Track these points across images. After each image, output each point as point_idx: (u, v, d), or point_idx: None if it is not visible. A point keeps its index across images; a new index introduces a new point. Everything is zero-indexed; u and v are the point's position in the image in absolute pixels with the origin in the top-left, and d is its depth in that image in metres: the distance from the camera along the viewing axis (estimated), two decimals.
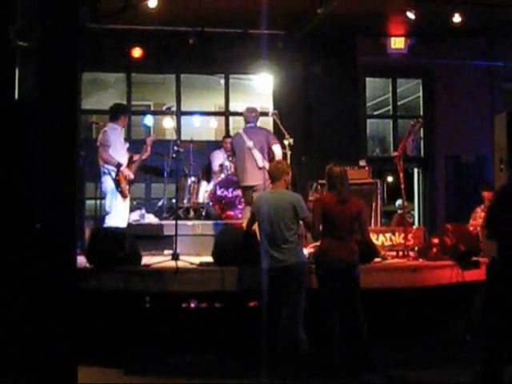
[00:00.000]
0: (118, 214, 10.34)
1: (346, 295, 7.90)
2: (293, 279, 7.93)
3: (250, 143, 10.44)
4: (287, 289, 7.94)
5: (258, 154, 10.36)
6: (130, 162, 10.55)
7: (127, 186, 10.38)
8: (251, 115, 10.75)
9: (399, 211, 13.44)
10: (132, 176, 10.45)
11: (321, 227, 8.12)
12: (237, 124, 15.69)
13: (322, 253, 8.01)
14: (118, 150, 10.40)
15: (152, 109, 18.93)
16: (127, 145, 10.66)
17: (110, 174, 10.28)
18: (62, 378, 6.17)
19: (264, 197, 8.50)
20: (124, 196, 10.37)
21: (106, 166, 10.26)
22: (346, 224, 7.94)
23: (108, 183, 10.32)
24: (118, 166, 10.25)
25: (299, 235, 8.42)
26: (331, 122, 14.41)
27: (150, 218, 12.61)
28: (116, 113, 10.65)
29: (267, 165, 9.86)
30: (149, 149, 10.70)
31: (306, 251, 9.12)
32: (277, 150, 10.38)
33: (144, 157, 10.77)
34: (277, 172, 8.35)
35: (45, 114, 6.36)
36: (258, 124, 10.87)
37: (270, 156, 10.39)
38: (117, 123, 10.53)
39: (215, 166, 13.60)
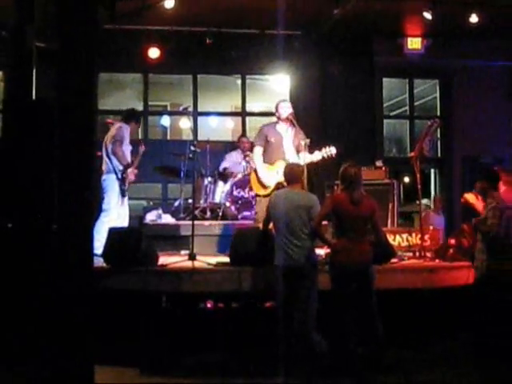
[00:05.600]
0: (118, 213, 10.26)
1: (360, 296, 7.88)
2: (305, 278, 7.95)
3: None
4: (300, 288, 7.95)
5: None
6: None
7: (127, 187, 10.36)
8: None
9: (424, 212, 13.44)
10: (133, 179, 10.44)
11: (323, 221, 8.24)
12: (253, 124, 15.68)
13: (335, 254, 7.98)
14: (127, 149, 10.41)
15: (169, 109, 18.95)
16: (130, 147, 10.62)
17: (115, 171, 10.21)
18: (79, 377, 6.20)
19: (280, 196, 8.49)
20: (124, 195, 10.32)
21: (115, 162, 10.22)
22: (360, 224, 7.91)
23: (110, 181, 10.24)
24: (128, 165, 10.24)
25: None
26: (348, 123, 14.44)
27: (167, 219, 12.62)
28: (128, 117, 10.69)
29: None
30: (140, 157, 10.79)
31: (323, 251, 9.11)
32: None
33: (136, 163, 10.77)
34: (292, 174, 8.41)
35: (62, 114, 6.39)
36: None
37: None
38: (128, 125, 10.54)
39: (232, 167, 13.62)
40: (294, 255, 7.98)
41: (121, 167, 10.19)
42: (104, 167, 10.29)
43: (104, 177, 10.25)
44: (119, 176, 10.19)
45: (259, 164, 9.92)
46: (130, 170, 10.25)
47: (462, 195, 9.71)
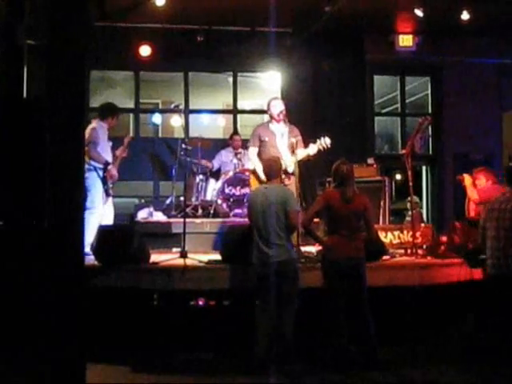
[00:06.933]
0: (102, 211, 10.31)
1: (352, 293, 7.89)
2: (286, 276, 7.89)
3: None
4: (281, 286, 7.88)
5: None
6: (114, 160, 10.58)
7: (111, 185, 10.40)
8: None
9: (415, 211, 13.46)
10: (117, 176, 10.47)
11: (314, 219, 8.29)
12: (244, 122, 15.68)
13: (327, 251, 8.00)
14: (104, 149, 10.43)
15: (160, 107, 18.94)
16: (111, 143, 10.65)
17: (96, 170, 10.23)
18: (71, 375, 6.18)
19: (258, 192, 8.45)
20: (108, 194, 10.38)
21: (93, 163, 10.24)
22: (352, 222, 7.93)
23: (92, 179, 10.27)
24: (106, 164, 10.27)
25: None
26: (339, 120, 14.43)
27: (159, 216, 12.61)
28: (104, 112, 10.70)
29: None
30: (126, 148, 10.84)
31: (314, 249, 9.10)
32: None
33: (124, 155, 10.83)
34: (271, 169, 8.36)
35: (53, 112, 6.37)
36: (265, 120, 10.82)
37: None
38: (104, 122, 10.56)
39: (223, 164, 13.65)
40: (271, 253, 7.89)
41: (101, 165, 10.22)
42: (86, 166, 10.29)
43: (86, 175, 10.24)
44: (100, 175, 10.22)
45: (258, 163, 9.88)
46: (110, 167, 10.30)
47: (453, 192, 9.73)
